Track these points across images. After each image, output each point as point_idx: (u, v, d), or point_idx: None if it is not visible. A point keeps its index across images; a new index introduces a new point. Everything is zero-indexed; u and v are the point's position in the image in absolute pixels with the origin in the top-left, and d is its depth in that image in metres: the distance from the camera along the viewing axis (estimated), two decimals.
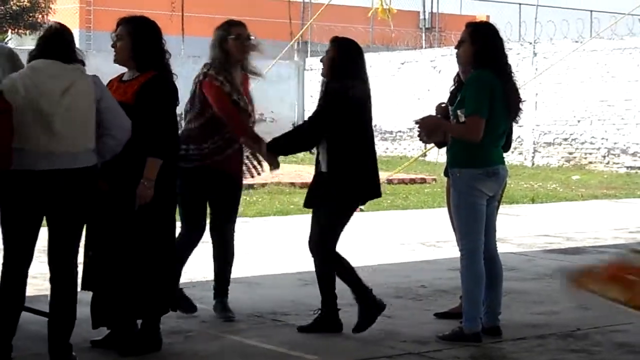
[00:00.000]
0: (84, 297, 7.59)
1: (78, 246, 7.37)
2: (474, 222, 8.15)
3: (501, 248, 9.36)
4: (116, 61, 7.85)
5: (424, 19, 50.14)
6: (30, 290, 8.99)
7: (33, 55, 7.35)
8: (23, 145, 6.96)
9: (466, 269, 8.18)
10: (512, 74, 8.36)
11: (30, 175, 7.00)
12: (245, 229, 12.67)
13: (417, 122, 8.32)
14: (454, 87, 9.10)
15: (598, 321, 9.16)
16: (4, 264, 7.16)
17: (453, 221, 9.11)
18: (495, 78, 8.04)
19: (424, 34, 48.21)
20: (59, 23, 7.69)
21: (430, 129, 8.37)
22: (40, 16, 44.99)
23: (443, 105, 8.96)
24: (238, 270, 9.26)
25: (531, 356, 7.93)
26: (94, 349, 7.69)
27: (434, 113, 8.99)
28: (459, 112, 8.03)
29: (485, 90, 7.97)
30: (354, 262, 11.17)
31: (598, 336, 8.62)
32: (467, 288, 8.23)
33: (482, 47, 8.15)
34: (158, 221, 7.51)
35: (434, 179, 24.08)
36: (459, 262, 8.26)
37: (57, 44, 7.31)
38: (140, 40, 7.75)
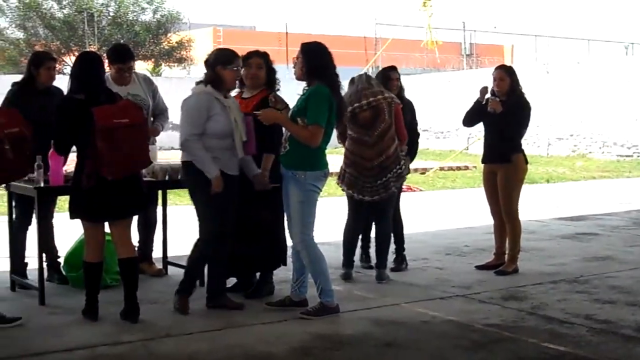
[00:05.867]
0: None
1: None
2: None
3: (524, 217, 9.39)
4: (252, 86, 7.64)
5: (465, 47, 49.79)
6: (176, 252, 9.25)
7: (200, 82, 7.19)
8: None
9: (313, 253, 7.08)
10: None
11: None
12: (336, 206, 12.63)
13: (257, 114, 7.08)
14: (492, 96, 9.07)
15: (597, 270, 9.22)
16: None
17: (488, 198, 9.18)
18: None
19: (464, 59, 47.98)
20: None
21: (268, 120, 7.05)
22: (185, 52, 45.52)
23: (485, 87, 9.02)
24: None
25: (546, 296, 7.90)
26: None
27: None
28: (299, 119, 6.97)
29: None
30: (420, 230, 11.12)
31: (596, 281, 8.62)
32: (321, 268, 7.13)
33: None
34: (272, 200, 7.36)
35: (474, 166, 23.95)
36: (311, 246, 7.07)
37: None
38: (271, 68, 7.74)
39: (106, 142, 6.39)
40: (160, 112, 8.69)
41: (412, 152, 9.26)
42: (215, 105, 6.95)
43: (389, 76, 9.10)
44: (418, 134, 9.43)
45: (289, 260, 7.61)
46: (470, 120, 9.17)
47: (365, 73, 8.89)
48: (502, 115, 8.74)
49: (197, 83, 7.18)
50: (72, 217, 6.84)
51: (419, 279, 8.74)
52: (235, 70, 7.15)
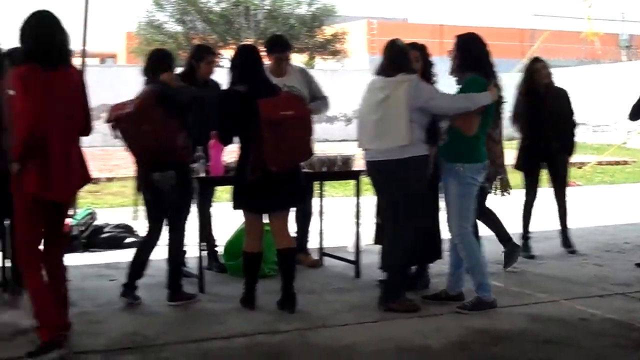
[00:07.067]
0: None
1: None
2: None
3: None
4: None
5: (624, 39, 48.52)
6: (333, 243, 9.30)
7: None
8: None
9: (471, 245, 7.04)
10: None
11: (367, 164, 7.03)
12: None
13: None
14: None
15: None
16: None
17: None
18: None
19: (623, 51, 46.77)
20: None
21: None
22: (339, 45, 45.76)
23: None
24: None
25: None
26: None
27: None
28: None
29: None
30: (578, 225, 10.86)
31: None
32: (478, 261, 7.08)
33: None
34: (423, 190, 7.03)
35: (634, 161, 23.36)
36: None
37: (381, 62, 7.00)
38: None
39: (272, 135, 6.47)
40: (318, 98, 8.73)
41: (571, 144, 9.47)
42: None
43: (537, 68, 9.15)
44: (575, 124, 9.50)
45: (445, 253, 7.58)
46: (636, 114, 8.95)
47: None
48: None
49: (389, 74, 6.88)
50: (236, 207, 6.98)
51: (578, 275, 8.57)
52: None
